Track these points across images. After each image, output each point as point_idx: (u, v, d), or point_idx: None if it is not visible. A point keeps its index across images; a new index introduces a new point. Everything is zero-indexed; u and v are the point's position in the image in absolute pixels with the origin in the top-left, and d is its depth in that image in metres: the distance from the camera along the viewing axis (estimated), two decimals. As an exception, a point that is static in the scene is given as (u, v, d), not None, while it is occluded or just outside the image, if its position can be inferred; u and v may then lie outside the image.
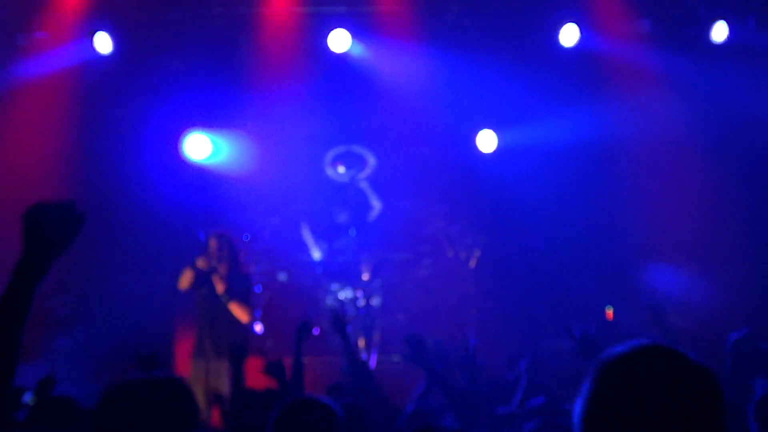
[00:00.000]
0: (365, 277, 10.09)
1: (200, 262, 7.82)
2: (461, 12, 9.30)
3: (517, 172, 9.98)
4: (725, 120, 9.56)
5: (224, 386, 7.41)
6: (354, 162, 10.41)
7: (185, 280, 7.90)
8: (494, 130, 10.07)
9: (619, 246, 9.89)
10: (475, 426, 4.62)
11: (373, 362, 9.69)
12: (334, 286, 10.09)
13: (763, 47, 9.25)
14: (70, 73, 9.28)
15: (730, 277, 9.58)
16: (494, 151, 10.12)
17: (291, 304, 9.98)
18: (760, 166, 9.81)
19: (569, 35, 9.26)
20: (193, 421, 2.51)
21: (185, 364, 8.46)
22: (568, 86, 9.72)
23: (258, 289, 9.84)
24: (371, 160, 10.43)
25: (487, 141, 10.10)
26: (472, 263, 10.30)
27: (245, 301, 7.91)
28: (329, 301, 10.07)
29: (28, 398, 5.03)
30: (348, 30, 9.18)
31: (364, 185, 10.38)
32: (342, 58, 9.41)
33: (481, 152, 10.14)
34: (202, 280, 7.85)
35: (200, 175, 10.00)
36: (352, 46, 9.28)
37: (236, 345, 6.08)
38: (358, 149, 10.42)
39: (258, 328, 9.75)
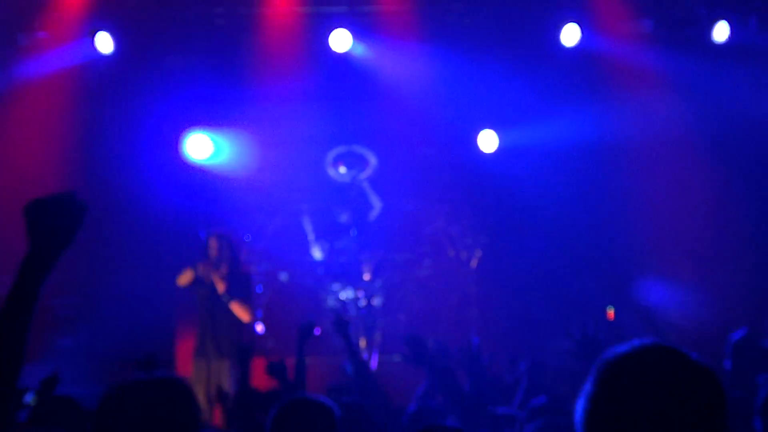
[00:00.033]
0: (366, 277, 10.09)
1: (201, 269, 7.84)
2: (462, 12, 9.30)
3: (519, 172, 9.98)
4: (726, 120, 9.56)
5: (226, 386, 7.42)
6: (355, 162, 10.41)
7: (184, 278, 7.92)
8: (495, 130, 10.07)
9: (620, 246, 9.90)
10: (476, 426, 4.62)
11: (374, 362, 9.69)
12: (335, 286, 10.09)
13: (765, 47, 9.25)
14: (72, 72, 9.28)
15: (731, 277, 9.57)
16: (495, 151, 10.11)
17: (292, 304, 9.98)
18: (761, 166, 9.80)
19: (570, 35, 9.25)
20: (194, 422, 2.51)
21: (186, 364, 8.47)
22: (570, 86, 9.72)
23: (259, 289, 9.84)
24: (372, 160, 10.43)
25: (488, 141, 10.09)
26: (473, 263, 10.30)
27: (246, 300, 7.92)
28: (330, 301, 10.07)
29: (29, 399, 5.03)
30: (349, 30, 9.17)
31: (364, 185, 10.38)
32: (343, 58, 9.41)
33: (482, 152, 10.14)
34: (201, 282, 7.88)
35: (201, 175, 10.00)
36: (353, 46, 9.27)
37: (242, 345, 6.09)
38: (359, 149, 10.42)
39: (259, 328, 9.75)
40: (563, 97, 9.68)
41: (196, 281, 7.90)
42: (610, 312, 9.33)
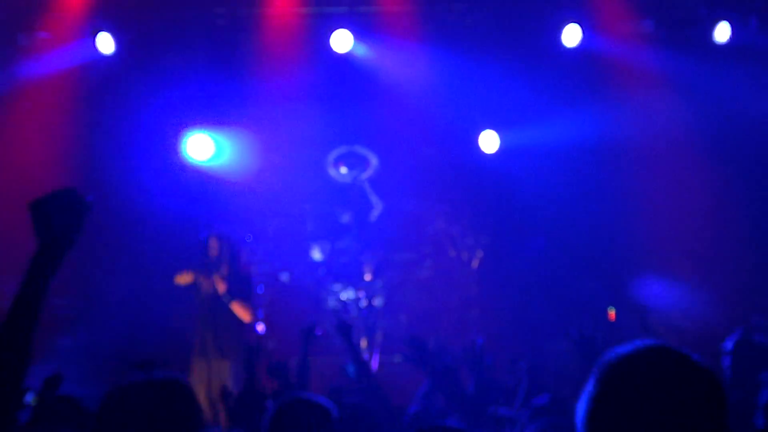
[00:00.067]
0: (367, 277, 10.08)
1: (202, 279, 7.87)
2: (464, 12, 9.30)
3: (520, 173, 9.97)
4: (727, 120, 9.56)
5: (227, 386, 7.42)
6: (356, 162, 10.40)
7: (183, 279, 7.95)
8: (496, 131, 10.06)
9: (622, 246, 9.89)
10: (477, 426, 4.62)
11: (375, 363, 9.68)
12: (336, 287, 10.08)
13: (766, 48, 9.25)
14: (72, 73, 9.29)
15: (731, 277, 9.57)
16: (496, 152, 10.11)
17: (293, 304, 9.98)
18: (761, 166, 9.80)
19: (572, 36, 9.26)
20: (195, 422, 2.51)
21: (187, 363, 8.46)
22: (571, 87, 9.72)
23: (260, 289, 9.84)
24: (374, 161, 10.43)
25: (489, 141, 10.09)
26: (475, 263, 10.29)
27: (247, 301, 7.92)
28: (331, 301, 10.06)
29: (29, 399, 5.02)
30: (350, 30, 9.17)
31: (364, 185, 10.38)
32: (344, 59, 9.41)
33: (483, 152, 10.14)
34: (198, 285, 7.91)
35: (202, 175, 9.99)
36: (354, 46, 9.27)
37: (249, 345, 6.09)
38: (360, 150, 10.41)
39: (260, 328, 9.74)
40: (564, 98, 9.68)
41: (196, 283, 7.93)
42: (611, 312, 9.33)
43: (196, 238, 8.31)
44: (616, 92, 9.66)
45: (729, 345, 5.46)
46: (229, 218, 9.72)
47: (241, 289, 7.93)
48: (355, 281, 10.07)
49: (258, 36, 9.30)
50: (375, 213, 10.33)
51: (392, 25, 9.29)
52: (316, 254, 10.27)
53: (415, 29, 9.28)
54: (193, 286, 7.97)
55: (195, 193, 9.86)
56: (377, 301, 10.06)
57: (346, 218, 10.26)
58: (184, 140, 9.78)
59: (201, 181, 9.96)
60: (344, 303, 10.03)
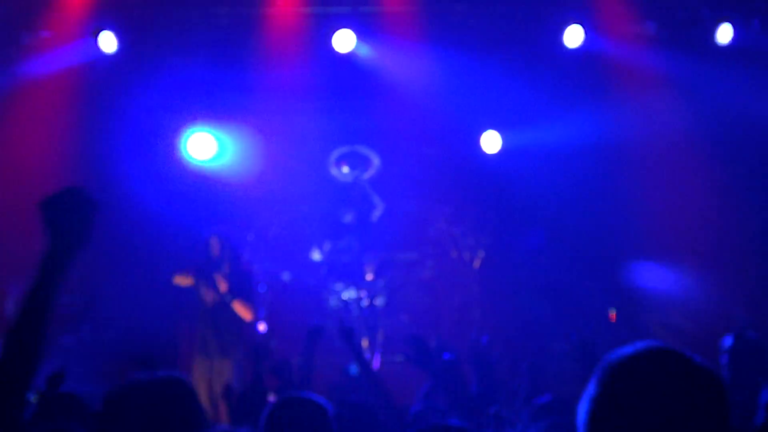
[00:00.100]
0: (369, 277, 10.08)
1: (203, 289, 7.88)
2: (466, 13, 9.29)
3: (522, 173, 9.98)
4: (729, 121, 9.56)
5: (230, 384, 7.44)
6: (358, 162, 10.40)
7: (182, 281, 7.96)
8: (498, 131, 10.06)
9: (624, 247, 9.89)
10: (480, 425, 4.62)
11: (376, 362, 9.69)
12: (338, 286, 10.08)
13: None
14: (75, 72, 9.29)
15: (734, 279, 9.56)
16: (498, 152, 10.11)
17: (295, 303, 9.98)
18: (764, 167, 9.80)
19: (574, 36, 9.25)
20: (197, 421, 2.51)
21: (188, 362, 8.47)
22: (573, 87, 9.72)
23: (262, 288, 9.84)
24: (375, 161, 10.43)
25: (491, 142, 10.09)
26: (476, 264, 10.30)
27: (248, 300, 7.92)
28: (333, 301, 10.06)
29: (31, 397, 5.03)
30: (353, 30, 9.17)
31: (365, 185, 10.38)
32: (346, 59, 9.41)
33: (485, 153, 10.14)
34: (197, 289, 7.93)
35: (205, 174, 10.00)
36: (356, 46, 9.28)
37: (256, 344, 6.09)
38: (362, 149, 10.42)
39: (261, 327, 9.75)
40: (566, 99, 9.69)
41: (197, 287, 7.95)
42: (613, 314, 9.33)
43: (198, 237, 8.32)
44: (617, 93, 9.66)
45: (726, 343, 5.47)
46: (231, 217, 9.73)
47: (243, 288, 7.93)
48: (357, 281, 10.07)
49: (260, 35, 9.29)
50: (377, 213, 10.33)
51: (395, 25, 9.28)
52: (316, 255, 10.26)
53: (417, 29, 9.27)
54: (194, 288, 7.99)
55: (197, 192, 9.87)
56: (379, 301, 10.06)
57: (348, 218, 10.27)
58: (186, 139, 9.78)
59: (203, 180, 9.97)
60: (346, 302, 10.03)
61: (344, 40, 9.20)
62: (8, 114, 9.38)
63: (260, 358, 5.57)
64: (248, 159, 10.04)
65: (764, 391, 3.51)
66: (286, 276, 10.22)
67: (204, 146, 9.82)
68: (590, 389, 1.81)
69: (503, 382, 6.81)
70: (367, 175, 10.40)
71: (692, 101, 9.50)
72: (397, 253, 10.37)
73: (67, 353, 8.70)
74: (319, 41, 9.29)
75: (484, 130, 10.08)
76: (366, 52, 9.45)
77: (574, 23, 9.22)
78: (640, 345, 1.82)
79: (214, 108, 9.75)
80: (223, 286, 7.82)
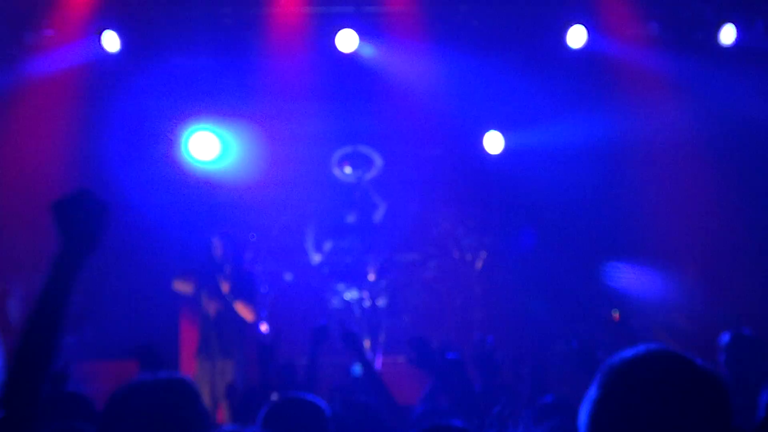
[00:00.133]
0: (371, 277, 10.09)
1: (204, 299, 7.89)
2: (469, 13, 9.29)
3: (524, 174, 9.98)
4: (732, 123, 9.55)
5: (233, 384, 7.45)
6: (361, 162, 10.40)
7: (182, 288, 7.97)
8: (501, 132, 10.06)
9: (628, 248, 9.88)
10: (483, 426, 4.62)
11: (378, 363, 9.69)
12: (340, 287, 10.09)
13: (771, 50, 9.26)
14: (78, 71, 9.29)
15: (740, 281, 9.54)
16: (501, 153, 10.11)
17: (297, 304, 9.99)
18: (768, 169, 9.80)
19: (577, 37, 9.25)
20: (201, 422, 2.51)
21: (190, 363, 8.48)
22: (575, 88, 9.72)
23: (264, 288, 9.85)
24: (378, 161, 10.43)
25: (494, 142, 10.09)
26: (479, 264, 10.30)
27: (250, 300, 7.93)
28: (335, 301, 10.07)
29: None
30: (356, 30, 9.17)
31: (368, 185, 10.38)
32: (349, 59, 9.41)
33: (488, 153, 10.14)
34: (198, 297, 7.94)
35: (207, 174, 10.00)
36: (359, 46, 9.28)
37: (264, 344, 6.10)
38: (364, 150, 10.42)
39: (264, 327, 9.75)
40: (569, 99, 9.68)
41: (193, 292, 7.98)
42: (616, 315, 9.32)
43: (201, 237, 8.32)
44: (620, 94, 9.66)
45: (723, 341, 5.49)
46: (233, 218, 9.74)
47: (245, 288, 7.94)
48: (359, 281, 10.08)
49: (263, 35, 9.29)
50: (379, 214, 10.33)
51: (398, 25, 9.28)
52: (316, 258, 10.26)
53: (420, 30, 9.27)
54: (193, 296, 8.01)
55: (199, 192, 9.87)
56: (381, 302, 10.07)
57: (350, 218, 10.27)
58: (188, 139, 9.78)
59: (205, 179, 9.97)
60: (348, 303, 10.04)
61: (347, 40, 9.19)
62: (11, 113, 9.38)
63: (268, 358, 5.57)
64: (250, 159, 10.03)
65: (764, 391, 3.51)
66: (288, 276, 10.22)
67: (206, 146, 9.81)
68: (592, 392, 1.81)
69: (506, 382, 6.82)
70: (369, 175, 10.40)
71: (695, 102, 9.49)
72: (399, 254, 10.37)
73: (70, 353, 8.70)
74: (322, 41, 9.29)
75: (487, 130, 10.07)
76: (369, 52, 9.44)
77: (577, 24, 9.21)
78: (641, 348, 1.82)
79: (217, 108, 9.75)
80: (225, 287, 7.83)
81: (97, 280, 9.35)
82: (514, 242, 10.20)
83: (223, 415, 7.58)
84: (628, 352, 1.82)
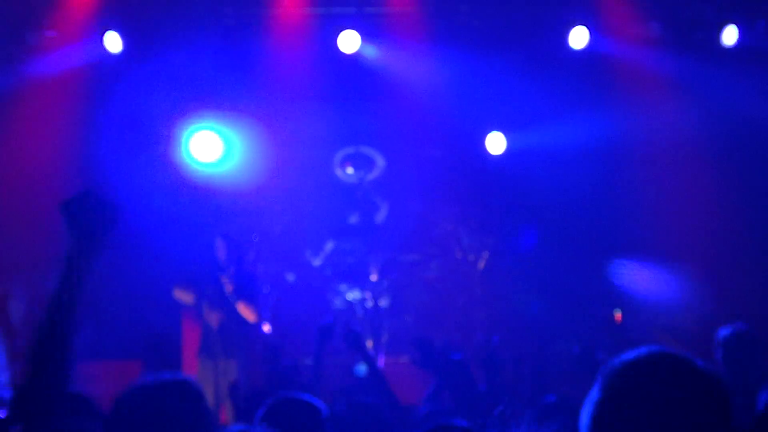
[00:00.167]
0: (373, 278, 10.09)
1: (205, 311, 7.90)
2: (471, 13, 9.29)
3: (526, 174, 9.98)
4: (734, 123, 9.55)
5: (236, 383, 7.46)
6: (363, 163, 10.40)
7: (183, 297, 7.98)
8: (503, 132, 10.06)
9: (630, 248, 9.88)
10: (486, 426, 4.61)
11: (380, 363, 9.68)
12: (343, 287, 10.09)
13: (773, 51, 9.26)
14: (80, 71, 9.29)
15: (742, 282, 9.53)
16: (503, 153, 10.11)
17: (299, 304, 9.99)
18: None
19: (579, 38, 9.25)
20: (207, 423, 2.51)
21: (192, 363, 8.47)
22: (577, 89, 9.71)
23: (266, 289, 9.85)
24: (380, 162, 10.42)
25: (496, 143, 10.09)
26: (481, 265, 10.30)
27: (252, 301, 7.93)
28: (337, 301, 10.07)
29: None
30: (358, 31, 9.18)
31: (370, 186, 10.38)
32: (352, 59, 9.41)
33: (490, 154, 10.14)
34: (198, 306, 7.95)
35: (209, 175, 9.99)
36: (361, 47, 9.28)
37: (273, 345, 6.10)
38: (366, 150, 10.42)
39: (266, 328, 9.75)
40: (571, 100, 9.68)
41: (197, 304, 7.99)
42: (618, 315, 9.32)
43: (203, 238, 8.32)
44: (622, 94, 9.66)
45: (720, 336, 5.50)
46: (235, 218, 9.74)
47: (247, 289, 7.94)
48: (362, 282, 10.08)
49: (266, 36, 9.30)
50: (381, 214, 10.32)
51: (400, 26, 9.29)
52: (316, 262, 10.26)
53: (422, 30, 9.28)
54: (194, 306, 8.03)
55: (201, 193, 9.87)
56: (383, 302, 10.07)
57: (353, 219, 10.27)
58: (190, 140, 9.77)
59: (207, 180, 9.97)
60: (350, 303, 10.04)
61: (349, 41, 9.20)
62: (12, 114, 9.38)
63: (275, 358, 5.57)
64: (252, 160, 10.03)
65: (764, 389, 3.51)
66: (290, 277, 10.22)
67: (208, 148, 9.80)
68: (593, 394, 1.81)
69: (509, 382, 6.83)
70: (371, 176, 10.39)
71: (697, 103, 9.49)
72: (401, 254, 10.37)
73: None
74: (324, 42, 9.30)
75: (489, 131, 10.07)
76: (371, 52, 9.45)
77: (579, 24, 9.22)
78: (642, 350, 1.82)
79: (219, 109, 9.74)
80: (228, 288, 7.83)
81: (98, 280, 9.35)
82: (515, 242, 10.20)
83: (225, 415, 7.58)
84: (629, 354, 1.82)
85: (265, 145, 10.06)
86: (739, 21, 9.14)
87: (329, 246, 10.26)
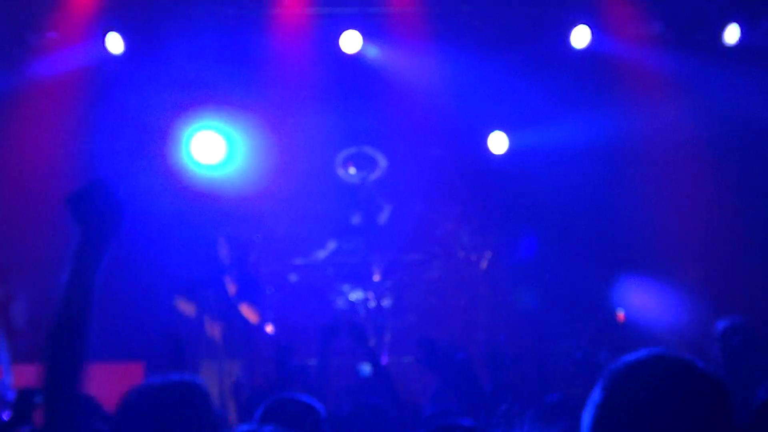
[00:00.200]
0: (376, 278, 10.08)
1: (207, 322, 7.90)
2: (473, 13, 9.30)
3: (528, 174, 9.98)
4: (737, 122, 9.55)
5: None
6: (365, 163, 10.39)
7: (185, 308, 7.98)
8: (505, 132, 10.06)
9: (631, 248, 9.87)
10: (492, 425, 4.61)
11: (384, 363, 9.68)
12: (345, 287, 10.08)
13: (775, 50, 9.25)
14: (82, 73, 9.29)
15: (744, 282, 9.51)
16: (505, 153, 10.11)
17: (302, 305, 9.98)
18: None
19: (581, 37, 9.25)
20: (213, 423, 2.51)
21: (194, 364, 8.47)
22: (580, 88, 9.72)
23: (269, 290, 9.84)
24: (382, 162, 10.42)
25: (498, 142, 10.09)
26: (483, 264, 10.30)
27: (255, 302, 7.93)
28: (340, 302, 10.06)
29: (39, 399, 5.03)
30: (360, 31, 9.18)
31: (372, 186, 10.38)
32: (353, 59, 9.42)
33: (492, 154, 10.14)
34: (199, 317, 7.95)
35: (211, 177, 9.98)
36: (363, 47, 9.28)
37: (281, 345, 6.10)
38: (369, 150, 10.41)
39: (269, 329, 9.74)
40: (573, 99, 9.68)
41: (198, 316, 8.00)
42: (620, 314, 9.31)
43: (205, 238, 8.32)
44: (624, 93, 9.66)
45: (717, 330, 5.50)
46: (238, 219, 9.73)
47: (250, 290, 7.94)
48: (364, 282, 10.07)
49: (267, 37, 9.30)
50: (385, 215, 10.31)
51: (402, 26, 9.30)
52: (321, 254, 10.26)
53: (424, 30, 9.28)
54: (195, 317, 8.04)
55: (204, 194, 9.86)
56: (386, 302, 10.06)
57: (355, 219, 10.26)
58: (193, 141, 9.76)
59: (210, 181, 9.96)
60: (353, 303, 10.03)
61: (351, 41, 9.21)
62: (15, 115, 9.38)
63: (285, 359, 5.57)
64: (255, 161, 10.02)
65: (762, 385, 3.51)
66: (293, 278, 10.22)
67: (211, 149, 9.78)
68: (595, 396, 1.81)
69: (511, 381, 6.81)
70: (374, 176, 10.39)
71: (700, 101, 9.49)
72: (404, 254, 10.36)
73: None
74: (326, 42, 9.31)
75: (491, 130, 10.07)
76: (373, 53, 9.46)
77: (581, 24, 9.21)
78: (643, 352, 1.82)
79: (221, 110, 9.74)
80: (231, 289, 7.84)
81: (99, 281, 9.35)
82: (515, 252, 10.19)
83: (229, 416, 7.57)
84: (631, 356, 1.82)
85: (268, 145, 10.06)
86: (741, 20, 9.13)
87: (332, 245, 10.25)
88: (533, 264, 10.08)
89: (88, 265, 2.39)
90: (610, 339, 8.96)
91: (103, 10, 8.98)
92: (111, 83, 9.47)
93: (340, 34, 9.19)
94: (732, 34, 9.15)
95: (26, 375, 6.58)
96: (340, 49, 9.24)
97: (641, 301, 9.49)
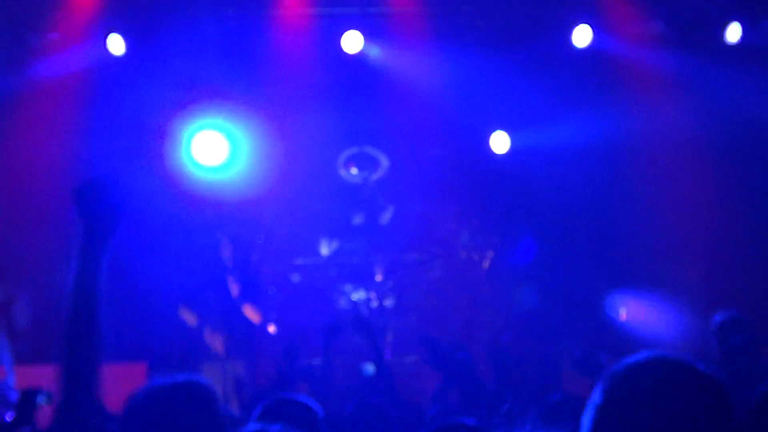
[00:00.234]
0: (378, 278, 10.08)
1: (207, 334, 7.91)
2: (474, 13, 9.30)
3: (530, 174, 9.98)
4: (737, 122, 9.54)
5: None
6: (367, 163, 10.39)
7: (187, 318, 8.00)
8: (507, 131, 10.06)
9: (632, 247, 9.87)
10: (494, 425, 4.61)
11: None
12: (347, 287, 10.08)
13: (777, 49, 9.25)
14: (83, 74, 9.29)
15: (744, 282, 9.50)
16: (507, 153, 10.11)
17: (304, 305, 9.98)
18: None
19: (582, 36, 9.25)
20: (220, 424, 2.52)
21: (196, 364, 8.48)
22: (581, 88, 9.72)
23: (271, 290, 9.84)
24: (384, 162, 10.42)
25: (500, 142, 10.09)
26: (485, 264, 10.30)
27: (257, 302, 7.94)
28: (342, 302, 10.06)
29: (41, 400, 5.03)
30: (361, 31, 9.18)
31: (374, 186, 10.38)
32: (355, 60, 9.42)
33: (494, 153, 10.14)
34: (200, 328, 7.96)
35: (212, 178, 9.99)
36: (365, 47, 9.28)
37: (288, 346, 6.11)
38: (371, 150, 10.41)
39: (271, 329, 9.75)
40: (575, 99, 9.68)
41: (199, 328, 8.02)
42: (623, 313, 9.31)
43: (207, 238, 8.33)
44: (625, 93, 9.66)
45: (715, 323, 5.50)
46: (240, 219, 9.74)
47: (252, 290, 7.95)
48: (366, 282, 10.07)
49: (269, 37, 9.30)
50: (387, 215, 10.31)
51: (403, 26, 9.30)
52: (324, 249, 10.26)
53: (425, 30, 9.28)
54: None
55: (206, 195, 9.86)
56: (388, 302, 10.06)
57: (357, 219, 10.27)
58: (194, 142, 9.76)
59: (211, 183, 9.96)
60: (355, 303, 10.03)
61: (352, 41, 9.21)
62: (16, 116, 9.38)
63: (292, 360, 5.58)
64: (256, 161, 10.02)
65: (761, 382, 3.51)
66: (295, 278, 10.22)
67: (212, 150, 9.78)
68: (595, 397, 1.81)
69: (514, 380, 6.82)
70: (375, 176, 10.39)
71: (700, 101, 9.48)
72: (406, 254, 10.36)
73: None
74: (328, 42, 9.31)
75: (493, 130, 10.07)
76: (374, 53, 9.46)
77: (582, 23, 9.21)
78: (644, 353, 1.82)
79: (222, 111, 9.74)
80: (234, 290, 7.85)
81: (104, 276, 9.34)
82: (514, 255, 10.19)
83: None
84: (631, 358, 1.82)
85: (269, 146, 10.06)
86: (742, 19, 9.13)
87: (334, 245, 10.25)
88: (533, 264, 10.08)
89: (94, 260, 2.41)
90: (610, 339, 8.96)
91: (105, 11, 8.97)
92: (112, 84, 9.47)
93: (342, 34, 9.19)
94: (733, 33, 9.14)
95: (28, 376, 6.59)
96: (341, 49, 9.24)
97: (640, 311, 9.50)
